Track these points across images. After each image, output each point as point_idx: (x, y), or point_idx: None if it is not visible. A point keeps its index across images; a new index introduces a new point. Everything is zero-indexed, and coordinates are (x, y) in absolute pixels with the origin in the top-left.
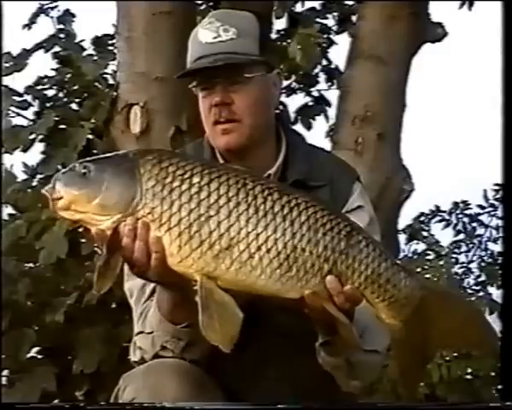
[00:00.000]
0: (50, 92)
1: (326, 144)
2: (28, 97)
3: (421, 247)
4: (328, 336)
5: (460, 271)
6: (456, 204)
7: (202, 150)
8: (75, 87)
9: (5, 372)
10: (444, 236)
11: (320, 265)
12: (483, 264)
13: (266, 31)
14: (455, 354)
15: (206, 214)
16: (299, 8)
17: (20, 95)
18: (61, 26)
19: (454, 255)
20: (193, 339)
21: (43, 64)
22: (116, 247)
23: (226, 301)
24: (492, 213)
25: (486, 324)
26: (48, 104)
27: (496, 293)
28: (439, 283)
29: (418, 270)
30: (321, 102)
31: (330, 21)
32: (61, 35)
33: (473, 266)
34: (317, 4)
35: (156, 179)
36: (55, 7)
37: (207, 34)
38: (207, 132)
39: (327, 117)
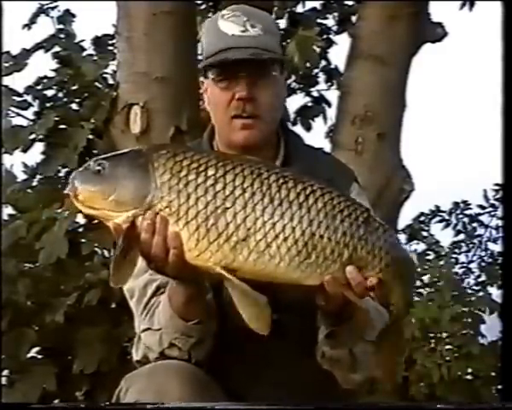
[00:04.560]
0: (50, 92)
1: (326, 145)
2: (28, 97)
3: (421, 247)
4: (334, 327)
5: (460, 271)
6: (456, 204)
7: (201, 148)
8: (75, 87)
9: (5, 372)
10: (444, 236)
11: (340, 251)
12: (483, 264)
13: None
14: (455, 355)
15: (222, 206)
16: (299, 8)
17: (20, 95)
18: (61, 26)
19: (454, 255)
20: (202, 337)
21: (43, 64)
22: (132, 241)
23: (245, 289)
24: (492, 213)
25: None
26: (48, 104)
27: (496, 293)
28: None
29: (418, 270)
30: (321, 103)
31: (330, 21)
32: (61, 35)
33: (473, 266)
34: (317, 4)
35: (171, 173)
36: (55, 7)
37: (233, 27)
38: (220, 125)
39: (325, 118)
